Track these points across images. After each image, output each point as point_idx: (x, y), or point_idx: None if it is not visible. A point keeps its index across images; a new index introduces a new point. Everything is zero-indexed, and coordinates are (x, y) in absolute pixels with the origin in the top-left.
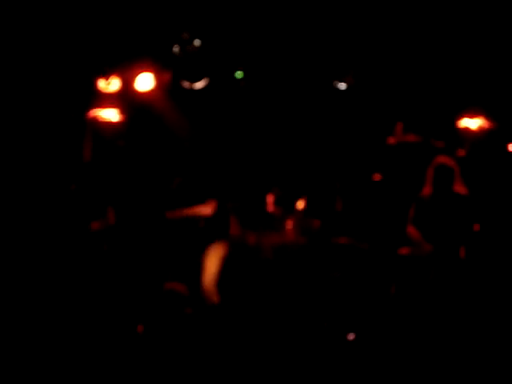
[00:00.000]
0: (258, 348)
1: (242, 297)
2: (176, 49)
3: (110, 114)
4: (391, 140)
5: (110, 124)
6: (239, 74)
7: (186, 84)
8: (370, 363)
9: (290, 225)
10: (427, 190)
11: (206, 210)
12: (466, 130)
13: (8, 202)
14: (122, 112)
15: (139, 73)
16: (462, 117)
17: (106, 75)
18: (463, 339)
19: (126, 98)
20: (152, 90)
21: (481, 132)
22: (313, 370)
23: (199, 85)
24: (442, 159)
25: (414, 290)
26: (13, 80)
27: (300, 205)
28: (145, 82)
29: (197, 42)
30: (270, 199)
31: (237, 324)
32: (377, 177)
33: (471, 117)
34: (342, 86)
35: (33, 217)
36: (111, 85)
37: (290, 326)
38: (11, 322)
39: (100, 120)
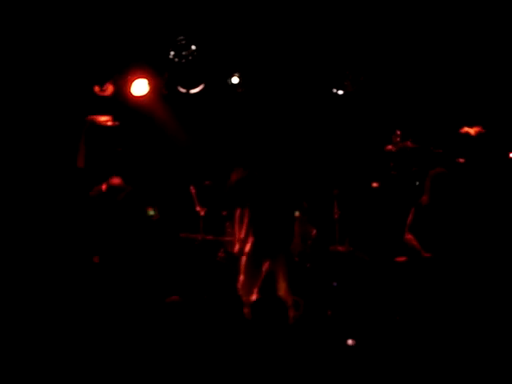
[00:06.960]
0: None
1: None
2: (172, 54)
3: (105, 120)
4: (389, 147)
5: (105, 129)
6: None
7: (181, 89)
8: (369, 370)
9: None
10: (425, 199)
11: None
12: (466, 137)
13: (2, 204)
14: (117, 117)
15: (134, 78)
16: (462, 124)
17: (101, 81)
18: (463, 345)
19: (121, 104)
20: (147, 96)
21: (480, 139)
22: (311, 378)
23: (195, 90)
24: (439, 170)
25: (412, 297)
26: (7, 86)
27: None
28: (140, 87)
29: (192, 48)
30: None
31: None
32: (375, 184)
33: (471, 124)
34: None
35: (27, 221)
36: (106, 90)
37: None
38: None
39: (95, 125)
